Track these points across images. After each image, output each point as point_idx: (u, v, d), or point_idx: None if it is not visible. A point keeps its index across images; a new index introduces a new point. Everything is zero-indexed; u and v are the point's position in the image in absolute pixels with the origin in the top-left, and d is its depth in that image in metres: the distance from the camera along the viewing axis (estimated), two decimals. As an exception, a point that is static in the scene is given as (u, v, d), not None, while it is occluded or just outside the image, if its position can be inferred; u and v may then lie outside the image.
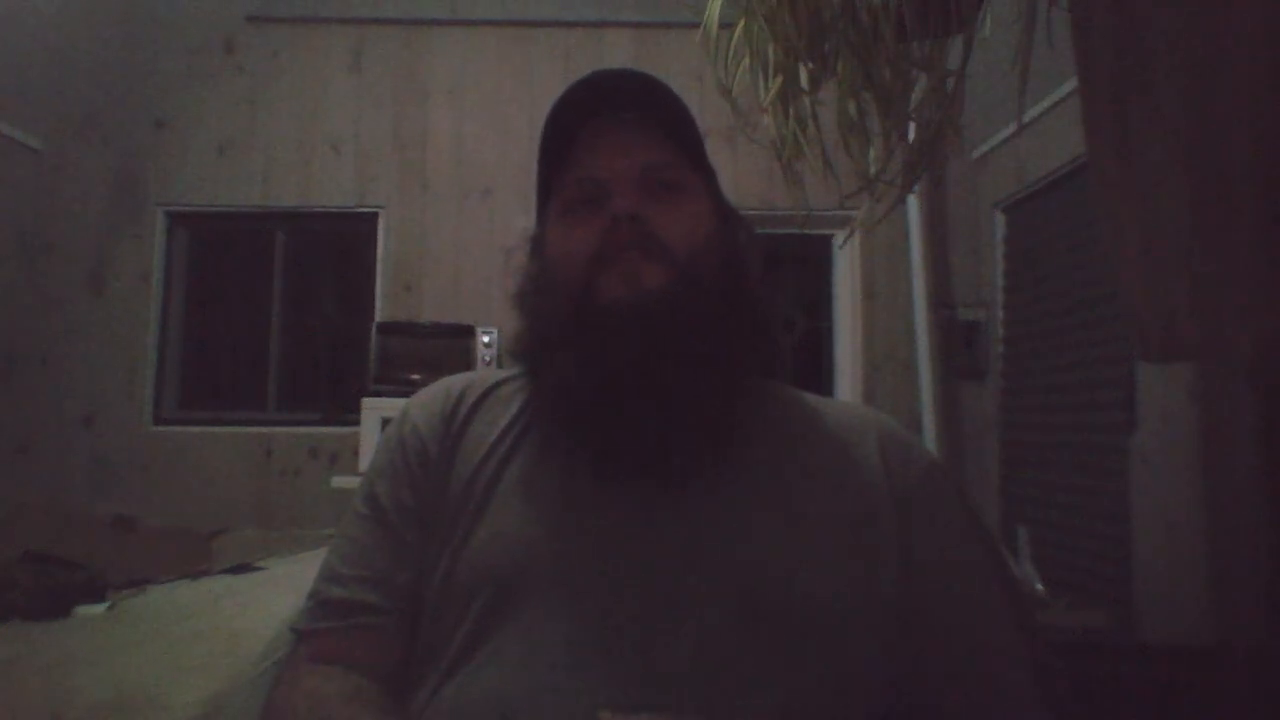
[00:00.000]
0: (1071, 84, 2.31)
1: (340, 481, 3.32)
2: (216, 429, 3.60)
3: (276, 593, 2.01)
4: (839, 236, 3.66)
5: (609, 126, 0.71)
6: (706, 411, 0.64)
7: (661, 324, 0.63)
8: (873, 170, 1.49)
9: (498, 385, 0.77)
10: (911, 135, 1.46)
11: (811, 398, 0.77)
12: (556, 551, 0.64)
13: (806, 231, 3.62)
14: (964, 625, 0.65)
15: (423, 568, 0.68)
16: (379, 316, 3.59)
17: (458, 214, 3.65)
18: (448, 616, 0.65)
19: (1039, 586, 2.40)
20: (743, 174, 3.59)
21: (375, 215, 3.70)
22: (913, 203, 3.38)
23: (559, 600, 0.62)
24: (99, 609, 2.05)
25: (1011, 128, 3.01)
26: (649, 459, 0.64)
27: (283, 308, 3.79)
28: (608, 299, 0.65)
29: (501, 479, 0.69)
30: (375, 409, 3.18)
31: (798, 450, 0.69)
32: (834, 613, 0.62)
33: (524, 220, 3.50)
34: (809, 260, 3.88)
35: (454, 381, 0.78)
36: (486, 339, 3.39)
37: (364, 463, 3.11)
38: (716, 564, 0.62)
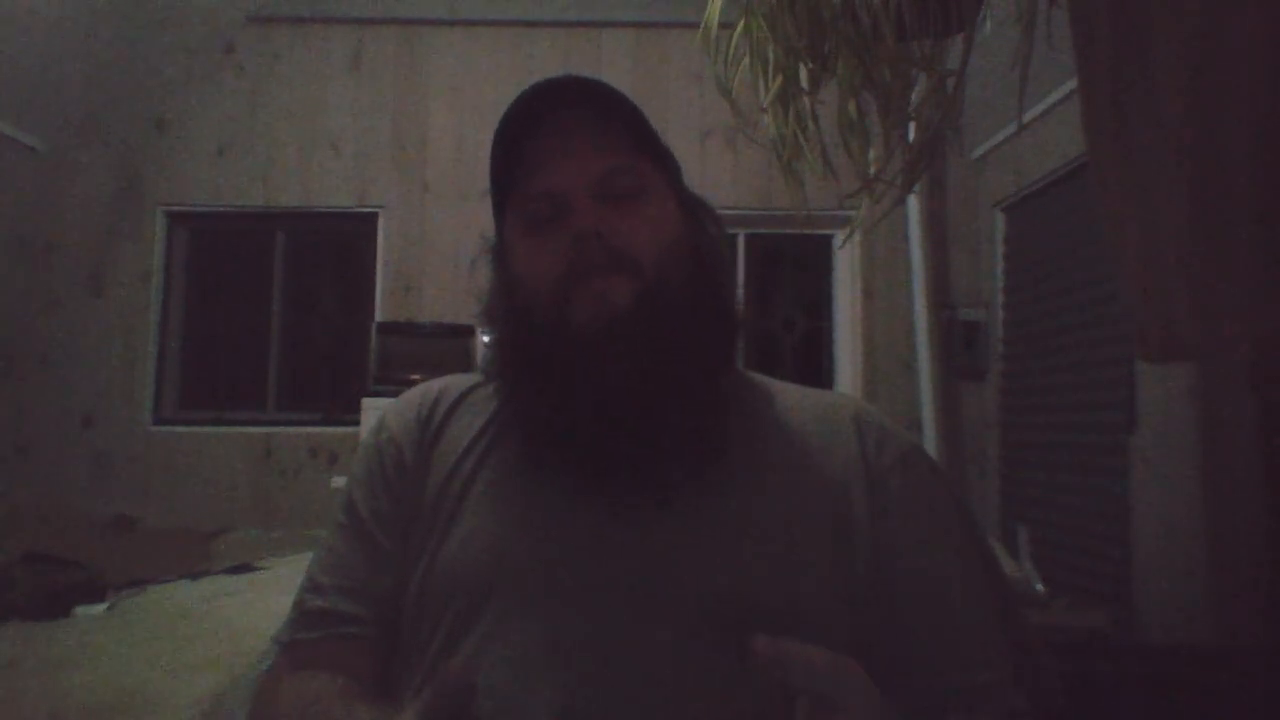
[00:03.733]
0: (1071, 84, 2.31)
1: (340, 481, 3.32)
2: (216, 429, 3.60)
3: (276, 593, 2.01)
4: (839, 236, 3.66)
5: (561, 130, 0.69)
6: (684, 433, 0.64)
7: (635, 346, 0.62)
8: (873, 170, 1.49)
9: (473, 389, 0.77)
10: (911, 135, 1.46)
11: (782, 389, 0.76)
12: (529, 557, 0.64)
13: (806, 231, 3.63)
14: (938, 603, 0.64)
15: (401, 575, 0.68)
16: (379, 316, 3.60)
17: (458, 214, 3.65)
18: (424, 621, 0.65)
19: (1039, 586, 2.40)
20: (743, 174, 3.59)
21: (375, 215, 3.70)
22: (913, 203, 3.38)
23: (532, 605, 0.62)
24: (99, 609, 2.05)
25: (1011, 128, 3.01)
26: (625, 480, 0.64)
27: (283, 308, 3.79)
28: (579, 322, 0.64)
29: (475, 484, 0.69)
30: (375, 409, 3.17)
31: (769, 451, 0.69)
32: (805, 619, 0.62)
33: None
34: (809, 260, 3.88)
35: (430, 387, 0.78)
36: (486, 339, 3.39)
37: (364, 463, 3.14)
38: (688, 573, 0.62)
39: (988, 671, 0.63)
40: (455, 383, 0.78)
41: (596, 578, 0.62)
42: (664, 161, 0.72)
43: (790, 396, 0.74)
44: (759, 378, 0.77)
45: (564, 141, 0.69)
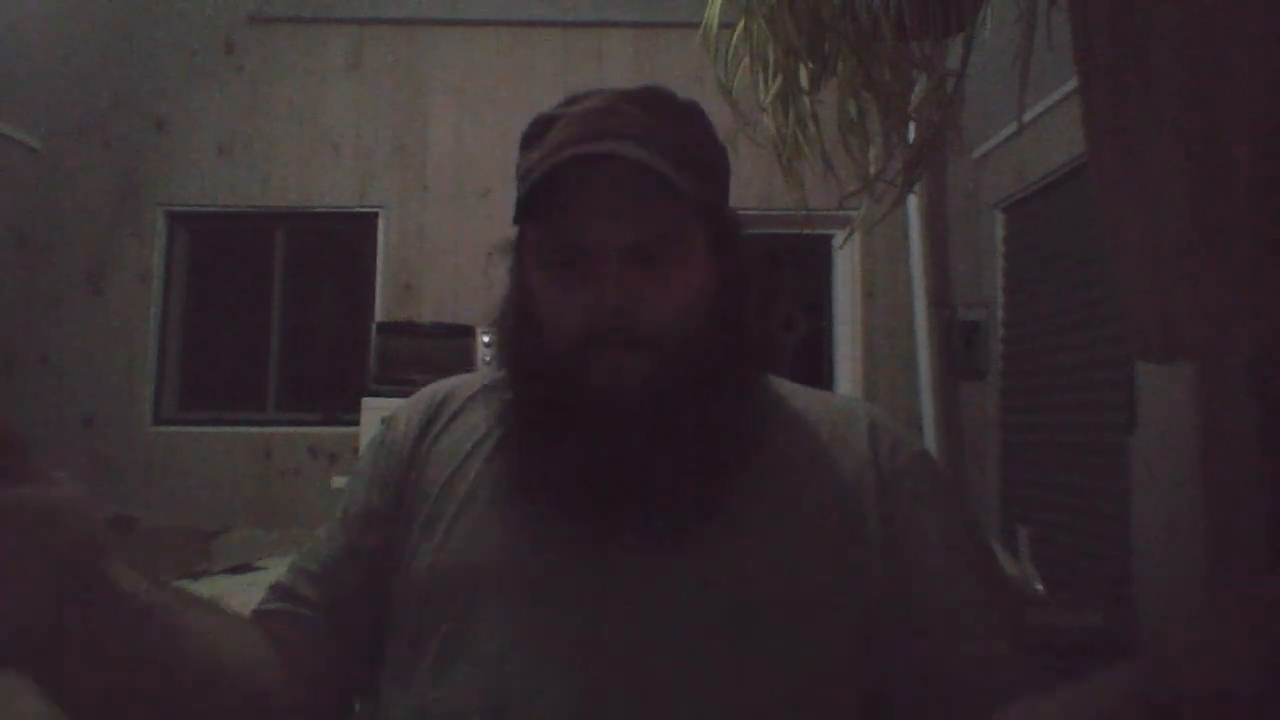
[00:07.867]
0: (1071, 84, 2.31)
1: (340, 481, 3.32)
2: (216, 429, 3.60)
3: (276, 593, 2.01)
4: (839, 236, 3.66)
5: (603, 174, 0.63)
6: (694, 489, 0.63)
7: (646, 419, 0.62)
8: (873, 170, 1.49)
9: (484, 389, 0.76)
10: (911, 135, 1.46)
11: (793, 391, 0.76)
12: (533, 556, 0.64)
13: (806, 231, 3.62)
14: (947, 608, 0.64)
15: (384, 570, 0.69)
16: (379, 316, 3.59)
17: (458, 214, 3.65)
18: (415, 616, 0.65)
19: (1039, 586, 2.40)
20: (743, 174, 3.58)
21: (375, 215, 3.69)
22: (913, 203, 3.38)
23: (533, 604, 0.62)
24: (99, 609, 2.04)
25: (1011, 128, 3.01)
26: (626, 526, 0.63)
27: (283, 308, 3.78)
28: (593, 386, 0.64)
29: (478, 483, 0.69)
30: (375, 409, 3.16)
31: (783, 454, 0.69)
32: (812, 615, 0.63)
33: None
34: (809, 260, 3.88)
35: (440, 386, 0.79)
36: (486, 339, 3.39)
37: (364, 463, 3.12)
38: (699, 573, 0.62)
39: (999, 670, 0.63)
40: (466, 383, 0.78)
41: (603, 576, 0.62)
42: (710, 195, 0.69)
43: (801, 399, 0.75)
44: (770, 380, 0.76)
45: (602, 188, 0.63)
